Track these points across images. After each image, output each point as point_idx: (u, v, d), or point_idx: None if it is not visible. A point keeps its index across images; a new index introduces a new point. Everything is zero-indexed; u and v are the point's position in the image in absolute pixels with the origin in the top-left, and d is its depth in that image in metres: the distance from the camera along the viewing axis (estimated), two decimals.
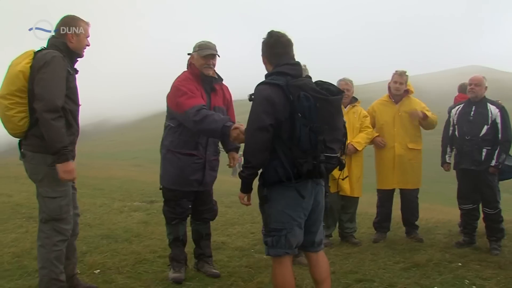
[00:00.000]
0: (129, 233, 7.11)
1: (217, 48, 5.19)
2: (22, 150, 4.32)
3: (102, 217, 8.29)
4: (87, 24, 4.47)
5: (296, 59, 4.07)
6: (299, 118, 3.64)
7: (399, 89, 7.09)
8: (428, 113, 7.01)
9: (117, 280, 5.02)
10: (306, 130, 3.63)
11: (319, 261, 4.14)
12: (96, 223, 7.73)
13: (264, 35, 4.09)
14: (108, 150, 56.77)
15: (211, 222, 5.61)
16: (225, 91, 5.40)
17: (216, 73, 5.31)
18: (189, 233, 5.47)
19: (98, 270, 5.30)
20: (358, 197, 7.00)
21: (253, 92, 3.90)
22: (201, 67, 5.13)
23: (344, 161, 4.14)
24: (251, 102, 3.86)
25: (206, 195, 5.41)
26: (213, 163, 5.32)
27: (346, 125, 5.87)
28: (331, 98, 3.82)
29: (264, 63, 4.12)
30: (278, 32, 4.05)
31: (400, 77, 7.11)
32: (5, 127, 4.26)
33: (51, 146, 4.04)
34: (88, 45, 4.52)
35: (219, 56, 5.26)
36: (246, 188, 4.05)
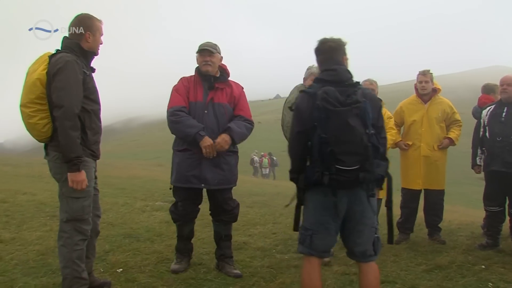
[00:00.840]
0: (151, 233, 7.14)
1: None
2: (48, 149, 4.37)
3: (125, 216, 8.34)
4: (100, 22, 4.51)
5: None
6: (315, 127, 3.65)
7: (425, 87, 7.07)
8: (454, 133, 7.07)
9: (139, 279, 5.05)
10: (317, 140, 3.64)
11: (367, 272, 4.06)
12: (119, 222, 7.78)
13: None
14: (131, 150, 57.10)
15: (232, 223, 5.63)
16: (233, 88, 5.42)
17: (220, 70, 5.41)
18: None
19: (121, 269, 5.34)
20: (381, 199, 6.94)
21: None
22: (200, 64, 5.31)
23: (362, 177, 3.77)
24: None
25: (219, 196, 5.38)
26: (218, 160, 5.25)
27: None
28: (337, 110, 3.69)
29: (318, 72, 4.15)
30: (324, 38, 4.05)
31: (424, 76, 7.09)
32: (31, 134, 4.32)
33: (65, 154, 4.09)
34: (101, 43, 4.55)
35: (219, 54, 5.37)
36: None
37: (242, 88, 5.54)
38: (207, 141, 5.08)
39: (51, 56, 4.23)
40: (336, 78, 3.88)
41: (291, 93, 6.24)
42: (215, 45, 5.36)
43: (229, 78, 5.50)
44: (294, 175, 3.97)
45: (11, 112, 4.22)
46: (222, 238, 5.51)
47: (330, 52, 4.01)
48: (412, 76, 7.41)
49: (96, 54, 4.51)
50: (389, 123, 6.90)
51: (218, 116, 5.24)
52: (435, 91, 7.15)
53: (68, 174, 4.13)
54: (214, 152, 5.13)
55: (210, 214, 5.57)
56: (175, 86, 5.40)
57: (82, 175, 4.18)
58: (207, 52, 5.27)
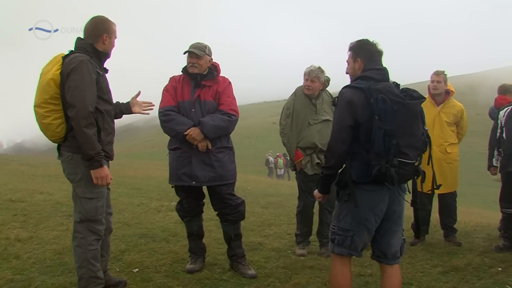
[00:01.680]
0: (166, 233, 7.18)
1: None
2: (61, 150, 4.40)
3: (140, 216, 8.38)
4: (115, 25, 4.54)
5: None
6: (376, 120, 3.64)
7: (436, 87, 6.99)
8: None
9: (155, 279, 5.07)
10: (381, 133, 3.62)
11: (392, 275, 4.09)
12: (134, 222, 7.82)
13: (356, 41, 4.15)
14: (146, 150, 57.36)
15: (245, 223, 5.63)
16: (220, 84, 5.41)
17: (210, 68, 5.42)
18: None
19: (137, 269, 5.36)
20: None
21: (336, 96, 3.96)
22: (187, 65, 5.35)
23: (421, 169, 4.00)
24: (334, 105, 3.98)
25: (216, 192, 5.38)
26: (207, 158, 5.25)
27: None
28: (408, 102, 3.76)
29: (355, 67, 4.11)
30: (374, 41, 4.11)
31: (437, 76, 7.02)
32: (44, 134, 4.35)
33: (85, 153, 4.11)
34: (114, 46, 4.59)
35: (209, 56, 5.37)
36: (324, 189, 4.12)
37: (229, 82, 5.50)
38: (190, 129, 5.14)
39: (65, 57, 4.26)
40: (383, 77, 3.95)
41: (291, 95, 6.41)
42: (205, 46, 5.36)
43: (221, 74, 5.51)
44: (333, 171, 3.95)
45: (30, 111, 4.24)
46: (232, 238, 5.51)
47: (380, 55, 4.09)
48: (427, 77, 7.36)
49: (109, 56, 4.54)
50: None
51: (204, 113, 5.26)
52: (448, 93, 7.07)
53: (91, 172, 4.16)
54: (202, 142, 5.17)
55: (217, 215, 5.58)
56: (165, 86, 5.46)
57: (105, 170, 4.23)
58: (194, 54, 5.29)
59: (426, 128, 4.00)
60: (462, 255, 6.27)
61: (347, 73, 4.20)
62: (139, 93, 4.93)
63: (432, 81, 7.04)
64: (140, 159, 38.54)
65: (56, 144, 4.44)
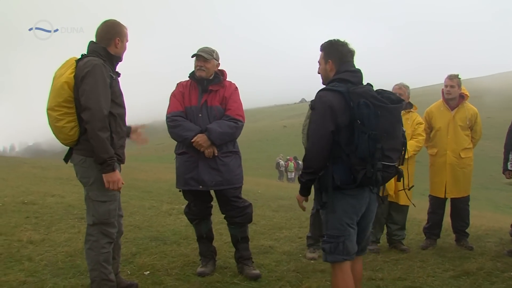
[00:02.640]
0: (177, 236, 7.19)
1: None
2: (73, 154, 4.42)
3: (151, 219, 8.40)
4: (126, 29, 4.57)
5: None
6: (358, 125, 3.67)
7: (450, 92, 6.95)
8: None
9: (166, 282, 5.09)
10: (364, 138, 3.65)
11: (357, 263, 4.21)
12: (145, 225, 7.84)
13: (327, 42, 4.15)
14: (156, 153, 57.42)
15: (255, 226, 5.63)
16: (226, 89, 5.43)
17: (216, 73, 5.44)
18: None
19: (148, 272, 5.38)
20: (408, 205, 6.90)
21: (313, 99, 3.96)
22: (195, 69, 5.38)
23: (401, 171, 4.09)
24: (312, 109, 3.95)
25: (223, 196, 5.40)
26: (214, 162, 5.27)
27: None
28: (390, 107, 3.82)
29: (326, 68, 4.12)
30: (345, 41, 4.10)
31: (451, 81, 6.97)
32: (57, 137, 4.37)
33: (98, 156, 4.14)
34: (126, 50, 4.61)
35: (216, 60, 5.41)
36: (305, 191, 4.13)
37: (236, 87, 5.52)
38: (197, 136, 5.15)
39: (78, 60, 4.29)
40: (359, 79, 3.99)
41: None
42: (213, 51, 5.40)
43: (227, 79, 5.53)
44: (314, 177, 3.94)
45: (43, 113, 4.27)
46: (239, 241, 5.53)
47: (352, 55, 4.10)
48: (441, 79, 7.32)
49: (121, 59, 4.57)
50: (418, 129, 6.81)
51: (211, 119, 5.28)
52: (463, 97, 7.02)
53: (104, 176, 4.19)
54: (209, 148, 5.19)
55: (224, 218, 5.60)
56: (173, 91, 5.49)
57: (117, 174, 4.26)
58: (201, 57, 5.32)
59: (404, 130, 4.08)
60: (474, 259, 6.23)
61: (318, 73, 4.21)
62: (143, 126, 4.97)
63: (446, 86, 7.00)
64: (150, 162, 38.64)
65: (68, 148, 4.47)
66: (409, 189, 4.87)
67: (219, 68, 5.49)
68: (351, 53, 4.08)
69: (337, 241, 3.92)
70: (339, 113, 3.75)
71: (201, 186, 5.26)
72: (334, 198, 3.87)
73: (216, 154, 5.23)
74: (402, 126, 4.08)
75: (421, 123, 6.88)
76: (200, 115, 5.28)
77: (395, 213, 6.87)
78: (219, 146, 5.24)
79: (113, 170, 4.20)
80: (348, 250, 3.93)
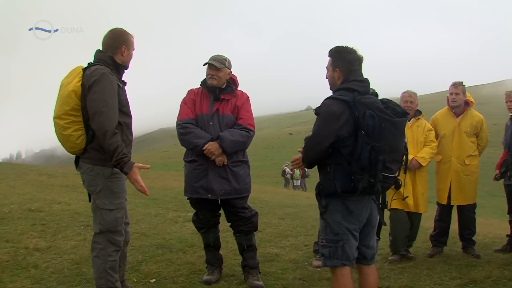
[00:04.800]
0: (183, 243, 7.18)
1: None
2: (80, 162, 4.41)
3: (157, 227, 8.39)
4: (133, 37, 4.58)
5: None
6: (362, 135, 3.71)
7: (455, 100, 6.94)
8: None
9: None
10: (367, 148, 3.70)
11: (369, 274, 4.19)
12: (151, 232, 7.84)
13: (336, 49, 4.16)
14: (162, 160, 57.51)
15: (261, 234, 5.62)
16: (238, 98, 5.44)
17: (228, 81, 5.44)
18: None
19: (154, 280, 5.38)
20: (421, 213, 6.88)
21: (318, 106, 3.99)
22: (207, 77, 5.38)
23: (400, 182, 4.15)
24: (317, 114, 3.98)
25: (230, 206, 5.39)
26: (224, 171, 5.27)
27: (410, 139, 5.88)
28: (396, 120, 3.86)
29: (337, 77, 4.13)
30: (352, 48, 4.11)
31: (455, 88, 6.96)
32: (64, 146, 4.37)
33: (112, 161, 4.12)
34: (132, 58, 4.61)
35: (228, 69, 5.40)
36: None
37: (247, 97, 5.54)
38: (209, 144, 5.15)
39: (85, 69, 4.30)
40: (366, 89, 4.00)
41: None
42: (225, 59, 5.40)
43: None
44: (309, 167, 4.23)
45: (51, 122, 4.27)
46: (245, 249, 5.52)
47: (360, 63, 4.12)
48: (445, 87, 7.32)
49: (127, 68, 4.58)
50: (430, 136, 6.78)
51: (222, 127, 5.28)
52: (468, 104, 7.01)
53: (128, 176, 4.16)
54: (220, 156, 5.19)
55: (230, 226, 5.59)
56: (184, 98, 5.48)
57: (136, 172, 4.19)
58: (213, 66, 5.32)
59: (406, 142, 4.17)
60: (481, 267, 6.19)
61: (326, 78, 4.24)
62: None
63: (451, 94, 6.99)
64: (156, 170, 38.59)
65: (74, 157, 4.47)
66: (403, 199, 4.93)
67: (230, 75, 5.48)
68: (358, 60, 4.09)
69: (336, 245, 3.95)
70: (343, 124, 3.80)
71: (210, 195, 5.25)
72: (333, 203, 3.94)
73: (226, 163, 5.23)
74: (405, 138, 4.13)
75: (431, 129, 6.87)
76: (211, 123, 5.28)
77: (412, 222, 6.79)
78: (229, 155, 5.24)
79: (132, 164, 4.13)
80: (348, 255, 3.95)
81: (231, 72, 5.47)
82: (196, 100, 5.39)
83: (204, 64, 5.39)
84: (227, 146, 5.14)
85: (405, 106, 6.58)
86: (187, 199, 5.55)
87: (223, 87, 5.37)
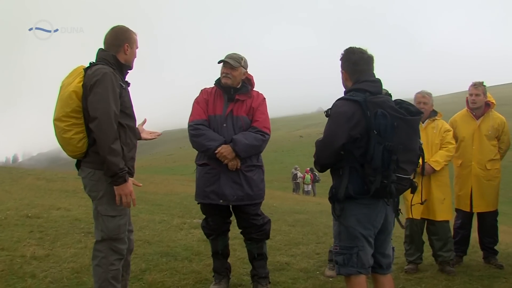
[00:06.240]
0: (189, 251, 7.16)
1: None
2: (81, 166, 4.40)
3: (161, 234, 8.39)
4: (136, 34, 4.56)
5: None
6: (374, 135, 3.73)
7: (475, 101, 6.88)
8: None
9: None
10: (380, 148, 3.72)
11: (385, 284, 4.19)
12: (155, 240, 7.83)
13: (343, 51, 4.20)
14: (167, 164, 57.59)
15: (271, 241, 5.60)
16: (254, 99, 5.41)
17: (244, 81, 5.42)
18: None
19: None
20: (446, 221, 6.67)
21: (330, 108, 4.02)
22: (221, 75, 5.35)
23: (416, 184, 4.14)
24: (328, 116, 4.00)
25: (242, 212, 5.37)
26: (237, 176, 5.24)
27: (424, 141, 5.81)
28: (409, 118, 3.89)
29: (344, 79, 4.20)
30: (360, 48, 4.15)
31: (475, 89, 6.89)
32: (64, 150, 4.33)
33: (108, 169, 4.10)
34: (136, 57, 4.60)
35: (244, 68, 5.38)
36: None
37: (264, 98, 5.50)
38: (221, 147, 5.13)
39: (86, 69, 4.28)
40: (378, 89, 4.03)
41: None
42: (241, 58, 5.37)
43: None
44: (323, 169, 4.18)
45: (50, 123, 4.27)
46: (255, 258, 5.50)
47: (371, 63, 4.16)
48: (465, 87, 7.27)
49: (131, 67, 4.56)
50: (447, 137, 6.64)
51: (236, 129, 5.26)
52: (489, 105, 6.95)
53: (115, 188, 4.15)
54: (233, 160, 5.16)
55: (241, 233, 5.58)
56: (196, 98, 5.45)
57: (129, 186, 4.21)
58: (228, 64, 5.29)
59: (421, 142, 4.16)
60: (505, 279, 6.15)
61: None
62: (144, 121, 4.96)
63: (471, 95, 6.93)
64: (161, 174, 38.70)
65: (75, 161, 4.46)
66: (422, 203, 4.89)
67: (246, 75, 5.45)
68: (364, 60, 4.12)
69: (350, 252, 3.94)
70: (355, 124, 3.82)
71: (221, 201, 5.23)
72: (347, 207, 3.94)
73: (239, 168, 5.21)
74: (420, 138, 4.14)
75: (449, 130, 6.72)
76: (224, 125, 5.26)
77: (432, 228, 6.68)
78: (243, 159, 5.22)
79: (125, 181, 4.17)
80: (363, 262, 3.94)
81: (247, 71, 5.44)
82: (209, 100, 5.36)
83: (219, 62, 5.37)
84: (241, 150, 5.12)
85: (418, 107, 6.53)
86: (198, 203, 5.54)
87: (238, 87, 5.34)
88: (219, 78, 5.38)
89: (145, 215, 10.13)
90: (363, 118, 3.81)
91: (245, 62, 5.40)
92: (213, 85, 5.46)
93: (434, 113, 6.73)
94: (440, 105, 6.91)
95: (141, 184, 4.47)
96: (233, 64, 5.26)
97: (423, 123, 6.58)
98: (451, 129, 6.83)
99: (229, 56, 5.34)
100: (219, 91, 5.38)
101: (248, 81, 5.45)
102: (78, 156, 4.36)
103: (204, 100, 5.37)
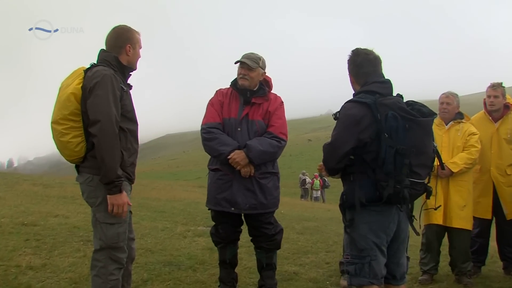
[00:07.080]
0: (193, 260, 7.12)
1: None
2: (79, 172, 4.37)
3: (164, 242, 8.36)
4: (139, 34, 4.52)
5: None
6: (385, 138, 3.71)
7: (493, 103, 6.78)
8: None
9: None
10: (391, 152, 3.69)
11: None
12: (158, 248, 7.80)
13: (349, 53, 4.19)
14: (170, 169, 57.66)
15: (279, 250, 5.57)
16: (271, 103, 5.35)
17: (262, 83, 5.38)
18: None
19: None
20: (466, 230, 6.47)
21: (338, 110, 4.00)
22: (238, 77, 5.30)
23: (430, 188, 4.09)
24: (336, 119, 3.99)
25: (254, 220, 5.33)
26: (250, 183, 5.20)
27: (446, 144, 5.77)
28: (421, 120, 3.84)
29: (351, 82, 4.20)
30: (365, 49, 4.13)
31: (493, 91, 6.79)
32: (62, 154, 4.30)
33: (104, 175, 4.08)
34: (140, 57, 4.57)
35: (262, 69, 5.33)
36: None
37: (281, 102, 5.45)
38: (234, 153, 5.08)
39: (87, 70, 4.25)
40: (388, 91, 4.03)
41: None
42: (259, 58, 5.32)
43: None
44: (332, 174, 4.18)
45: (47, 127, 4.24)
46: (264, 267, 5.46)
47: (378, 64, 4.15)
48: (482, 88, 7.21)
49: (134, 69, 4.53)
50: (471, 140, 6.46)
51: (251, 134, 5.22)
52: (508, 107, 6.85)
53: (108, 197, 4.12)
54: (246, 167, 5.11)
55: (251, 241, 5.55)
56: (211, 99, 5.41)
57: (124, 197, 4.17)
58: (245, 65, 5.24)
59: (435, 145, 4.14)
60: None
61: None
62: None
63: (489, 96, 6.83)
64: (163, 179, 38.77)
65: (74, 165, 4.43)
66: (435, 209, 4.86)
67: (264, 76, 5.40)
68: (369, 61, 4.10)
69: (362, 262, 3.91)
70: (364, 128, 3.80)
71: (233, 208, 5.19)
72: (358, 215, 3.91)
73: (253, 174, 5.16)
74: (433, 140, 4.10)
75: (474, 134, 6.53)
76: (239, 129, 5.21)
77: (451, 236, 6.58)
78: (258, 165, 5.17)
79: (120, 191, 4.14)
80: (375, 272, 3.91)
81: (265, 72, 5.39)
82: (224, 102, 5.32)
83: (236, 62, 5.32)
84: (255, 156, 5.07)
85: (441, 108, 6.48)
86: (208, 209, 5.50)
87: (255, 89, 5.30)
88: (235, 79, 5.34)
89: (147, 222, 10.11)
90: (373, 121, 3.79)
91: (263, 62, 5.34)
92: (229, 86, 5.42)
93: (459, 116, 6.62)
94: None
95: (131, 204, 4.40)
96: (250, 65, 5.21)
97: (446, 125, 6.53)
98: (477, 132, 6.60)
99: (246, 56, 5.28)
100: (235, 93, 5.34)
101: (265, 83, 5.41)
102: (76, 161, 4.32)
103: (218, 102, 5.33)
